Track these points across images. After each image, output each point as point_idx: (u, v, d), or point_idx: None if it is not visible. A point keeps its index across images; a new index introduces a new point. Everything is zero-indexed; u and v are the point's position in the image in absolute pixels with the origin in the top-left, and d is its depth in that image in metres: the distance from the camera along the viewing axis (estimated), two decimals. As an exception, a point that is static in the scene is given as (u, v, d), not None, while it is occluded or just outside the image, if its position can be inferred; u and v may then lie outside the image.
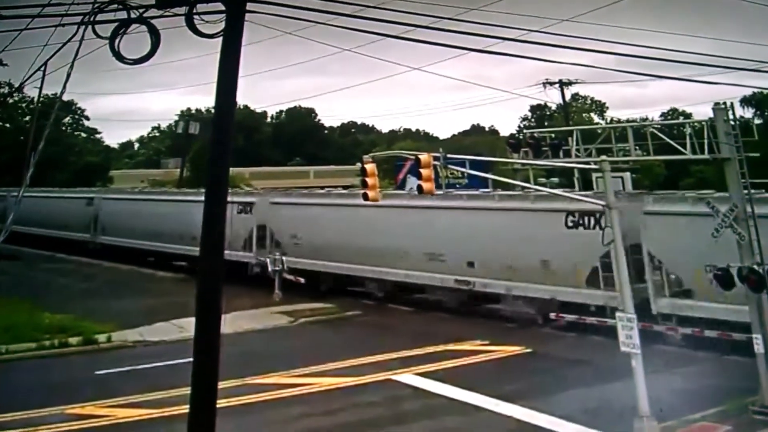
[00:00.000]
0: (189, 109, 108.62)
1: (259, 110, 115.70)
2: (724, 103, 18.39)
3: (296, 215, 38.10)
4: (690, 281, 23.72)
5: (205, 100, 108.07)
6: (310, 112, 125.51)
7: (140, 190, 58.75)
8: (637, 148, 20.84)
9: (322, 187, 48.73)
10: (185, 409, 11.10)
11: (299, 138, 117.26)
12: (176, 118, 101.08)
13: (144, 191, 58.13)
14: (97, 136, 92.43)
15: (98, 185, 69.38)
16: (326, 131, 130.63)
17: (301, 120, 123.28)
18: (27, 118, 70.39)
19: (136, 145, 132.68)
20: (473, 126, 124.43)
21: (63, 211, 56.62)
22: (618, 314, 15.85)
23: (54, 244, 56.31)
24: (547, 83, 59.19)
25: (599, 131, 23.47)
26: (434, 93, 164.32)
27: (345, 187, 47.54)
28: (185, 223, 37.42)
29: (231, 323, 25.26)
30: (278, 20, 12.12)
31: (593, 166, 20.25)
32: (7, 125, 72.50)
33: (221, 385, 11.17)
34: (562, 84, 59.68)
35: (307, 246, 36.66)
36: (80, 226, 54.46)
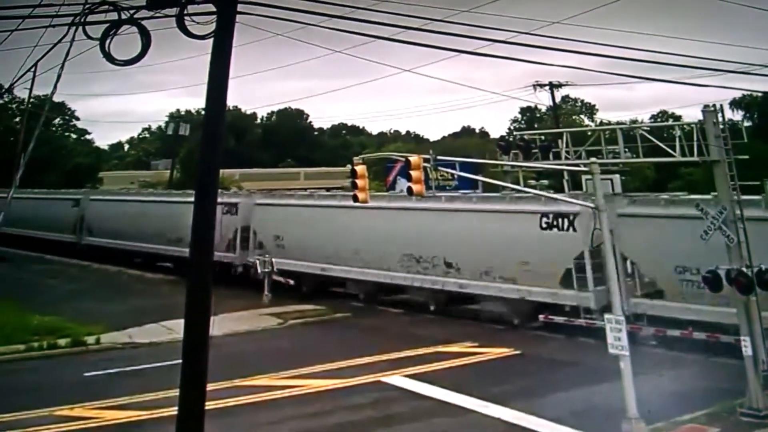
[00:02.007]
0: (179, 111, 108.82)
1: (249, 112, 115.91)
2: (714, 105, 18.45)
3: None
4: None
5: (195, 101, 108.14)
6: (301, 114, 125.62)
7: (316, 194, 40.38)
8: (626, 150, 20.90)
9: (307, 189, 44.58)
10: (174, 411, 11.10)
11: (290, 140, 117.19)
12: (166, 119, 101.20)
13: (325, 196, 39.35)
14: (88, 137, 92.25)
15: (88, 186, 68.98)
16: (316, 133, 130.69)
17: (291, 122, 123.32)
18: (17, 119, 70.03)
19: (126, 147, 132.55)
20: (463, 128, 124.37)
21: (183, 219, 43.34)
22: (607, 316, 15.89)
23: (168, 263, 44.03)
24: (538, 85, 59.35)
25: (589, 133, 23.54)
26: (424, 95, 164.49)
27: (336, 189, 46.78)
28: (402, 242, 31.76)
29: (220, 325, 25.16)
30: (269, 22, 12.16)
31: (583, 169, 20.27)
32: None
33: (210, 387, 11.18)
34: (552, 86, 59.80)
35: None
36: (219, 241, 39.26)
